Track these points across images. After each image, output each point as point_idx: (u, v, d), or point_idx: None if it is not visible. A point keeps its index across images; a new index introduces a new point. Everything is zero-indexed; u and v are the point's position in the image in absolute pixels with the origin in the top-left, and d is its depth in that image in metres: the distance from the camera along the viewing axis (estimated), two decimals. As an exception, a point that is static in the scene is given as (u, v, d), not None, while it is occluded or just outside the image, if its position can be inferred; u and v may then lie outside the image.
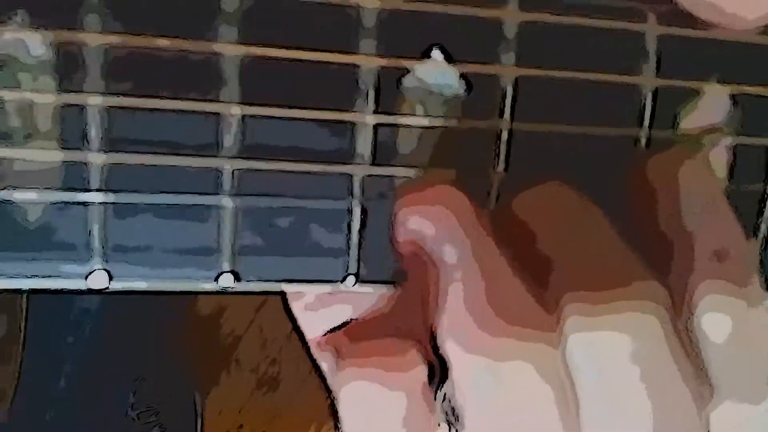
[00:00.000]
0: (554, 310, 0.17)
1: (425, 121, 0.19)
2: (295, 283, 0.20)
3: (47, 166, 0.17)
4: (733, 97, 0.21)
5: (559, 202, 0.19)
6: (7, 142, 0.17)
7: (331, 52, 0.18)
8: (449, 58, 0.19)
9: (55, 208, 0.17)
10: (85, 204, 0.18)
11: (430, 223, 0.18)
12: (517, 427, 0.17)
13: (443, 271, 0.18)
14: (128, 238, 0.18)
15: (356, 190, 0.19)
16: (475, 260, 0.17)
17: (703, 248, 0.18)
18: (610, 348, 0.17)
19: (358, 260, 0.19)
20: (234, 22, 0.17)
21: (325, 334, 0.22)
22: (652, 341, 0.17)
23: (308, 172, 0.19)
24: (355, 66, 0.18)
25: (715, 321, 0.18)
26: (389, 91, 0.19)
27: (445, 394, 0.19)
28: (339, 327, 0.21)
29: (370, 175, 0.19)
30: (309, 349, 0.23)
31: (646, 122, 0.20)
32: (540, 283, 0.18)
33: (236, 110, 0.18)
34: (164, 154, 0.18)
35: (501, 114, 0.19)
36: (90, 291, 0.18)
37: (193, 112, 0.18)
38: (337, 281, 0.19)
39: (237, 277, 0.19)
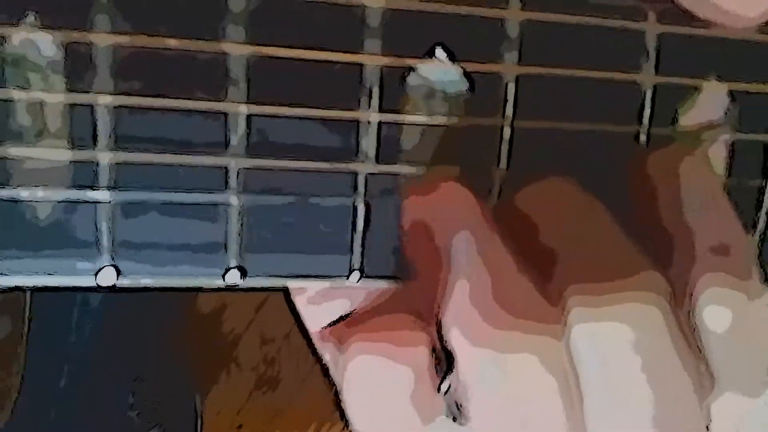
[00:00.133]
0: (558, 302, 0.17)
1: (429, 119, 0.19)
2: (300, 279, 0.20)
3: (57, 164, 0.17)
4: (732, 94, 0.21)
5: (561, 197, 0.19)
6: (18, 141, 0.17)
7: (336, 51, 0.18)
8: (452, 57, 0.19)
9: (64, 207, 0.18)
10: (94, 202, 0.18)
11: (436, 219, 0.18)
12: (521, 419, 0.17)
13: (449, 266, 0.18)
14: (136, 236, 0.18)
15: (360, 187, 0.19)
16: (480, 255, 0.18)
17: (704, 243, 0.18)
18: (612, 338, 0.17)
19: (363, 256, 0.20)
20: (241, 21, 0.17)
21: (326, 327, 0.22)
22: (654, 332, 0.17)
23: (313, 170, 0.19)
24: (360, 65, 0.18)
25: (716, 314, 0.18)
26: (393, 90, 0.19)
27: (449, 385, 0.19)
28: (340, 319, 0.22)
29: (374, 173, 0.19)
30: (311, 343, 0.23)
31: (646, 119, 0.20)
32: (544, 275, 0.18)
33: (243, 109, 0.18)
34: (172, 152, 0.18)
35: (503, 112, 0.19)
36: (98, 288, 0.19)
37: (201, 111, 0.18)
38: (342, 277, 0.20)
39: (243, 274, 0.19)
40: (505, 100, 0.19)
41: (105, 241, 0.18)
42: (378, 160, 0.19)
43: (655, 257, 0.18)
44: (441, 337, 0.18)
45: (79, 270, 0.18)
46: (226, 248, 0.19)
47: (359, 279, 0.20)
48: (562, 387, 0.17)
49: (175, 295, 0.70)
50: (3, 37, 0.16)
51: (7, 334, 0.33)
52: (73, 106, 0.17)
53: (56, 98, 0.17)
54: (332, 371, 0.22)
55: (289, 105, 0.18)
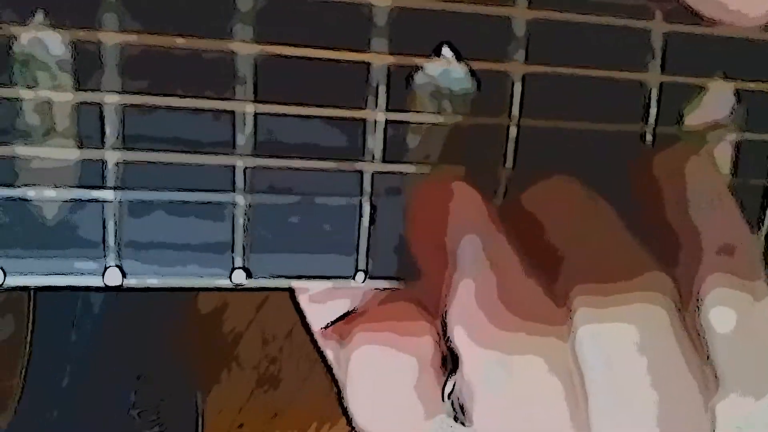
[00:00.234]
0: (564, 302, 0.17)
1: (435, 118, 0.19)
2: (306, 280, 0.20)
3: (64, 164, 0.17)
4: (738, 93, 0.21)
5: (567, 196, 0.19)
6: (26, 141, 0.17)
7: (343, 50, 0.18)
8: (459, 56, 0.19)
9: (71, 206, 0.18)
10: (101, 201, 0.18)
11: (443, 219, 0.18)
12: (525, 421, 0.17)
13: (455, 266, 0.18)
14: (142, 235, 0.18)
15: (366, 186, 0.19)
16: (486, 256, 0.18)
17: (710, 243, 0.18)
18: (617, 339, 0.17)
19: (368, 257, 0.20)
20: (249, 20, 0.17)
21: (328, 325, 0.22)
22: (659, 332, 0.17)
23: (320, 169, 0.19)
24: (367, 64, 0.18)
25: (721, 315, 0.18)
26: (400, 89, 0.19)
27: (453, 386, 0.19)
28: (341, 318, 0.22)
29: (380, 172, 0.19)
30: (315, 341, 0.23)
31: (652, 118, 0.20)
32: (549, 276, 0.18)
33: (250, 108, 0.18)
34: (179, 152, 0.18)
35: (510, 110, 0.19)
36: (105, 288, 0.19)
37: (208, 110, 0.18)
38: (347, 277, 0.20)
39: (249, 274, 0.19)
40: (512, 99, 0.19)
41: (111, 240, 0.18)
42: (384, 159, 0.19)
43: (660, 257, 0.18)
44: (446, 337, 0.18)
45: (85, 270, 0.18)
46: (232, 248, 0.19)
47: (364, 279, 0.20)
48: (567, 388, 0.17)
49: (176, 295, 0.70)
50: (12, 37, 0.16)
51: (10, 333, 0.33)
52: (80, 105, 0.17)
53: (64, 97, 0.17)
54: (335, 369, 0.22)
55: (296, 104, 0.18)
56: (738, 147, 0.21)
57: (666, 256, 0.18)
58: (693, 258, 0.18)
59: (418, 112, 0.19)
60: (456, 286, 0.18)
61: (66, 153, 0.17)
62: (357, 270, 0.20)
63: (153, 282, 0.19)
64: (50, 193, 0.17)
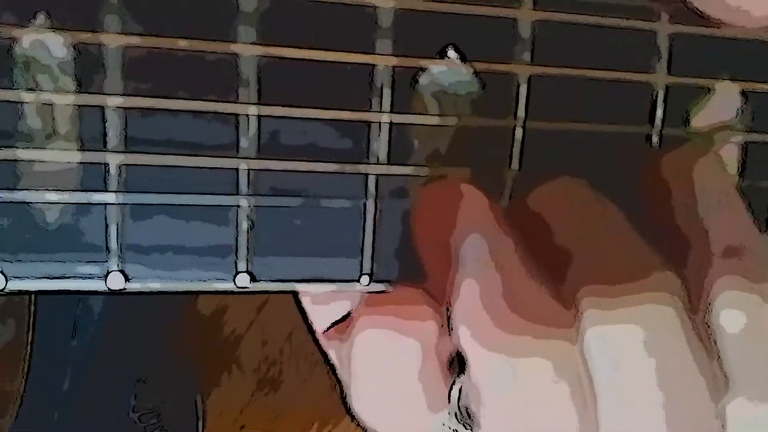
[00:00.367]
0: (572, 304, 0.17)
1: (440, 120, 0.19)
2: (310, 283, 0.20)
3: (66, 167, 0.17)
4: (744, 94, 0.21)
5: (574, 197, 0.19)
6: (28, 144, 0.17)
7: (348, 52, 0.18)
8: (464, 57, 0.19)
9: (73, 210, 0.17)
10: (103, 204, 0.18)
11: (449, 221, 0.18)
12: (533, 423, 0.17)
13: (460, 268, 0.18)
14: (145, 239, 0.18)
15: (371, 189, 0.19)
16: (492, 258, 0.17)
17: (718, 244, 0.18)
18: (626, 341, 0.17)
19: (372, 259, 0.19)
20: (252, 22, 0.17)
21: (329, 328, 0.22)
22: (668, 333, 0.17)
23: (324, 172, 0.19)
24: (371, 65, 0.18)
25: (731, 316, 0.18)
26: (405, 91, 0.19)
27: (460, 389, 0.19)
28: (342, 320, 0.22)
29: (385, 174, 0.19)
30: (317, 342, 0.23)
31: (659, 119, 0.20)
32: (557, 277, 0.18)
33: (253, 110, 0.18)
34: (182, 154, 0.18)
35: (515, 112, 0.19)
36: (107, 292, 0.18)
37: (211, 112, 0.18)
38: (352, 280, 0.20)
39: (253, 277, 0.19)
40: (517, 101, 0.19)
41: (114, 244, 0.18)
42: (389, 161, 0.19)
43: (669, 258, 0.18)
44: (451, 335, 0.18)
45: (88, 274, 0.18)
46: (236, 251, 0.19)
47: (369, 283, 0.20)
48: (574, 390, 0.17)
49: (176, 297, 0.70)
50: (13, 39, 0.16)
51: (11, 337, 0.33)
52: (82, 107, 0.17)
53: (66, 100, 0.17)
54: (338, 369, 0.22)
55: (300, 106, 0.18)
56: (745, 148, 0.21)
57: (674, 258, 0.18)
58: (702, 259, 0.18)
59: (422, 114, 0.19)
60: (459, 286, 0.18)
61: (68, 156, 0.17)
62: (362, 273, 0.19)
63: (156, 286, 0.19)
64: (52, 196, 0.17)
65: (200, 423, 0.76)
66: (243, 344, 0.82)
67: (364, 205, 0.19)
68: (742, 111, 0.21)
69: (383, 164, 0.19)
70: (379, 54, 0.18)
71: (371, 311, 0.19)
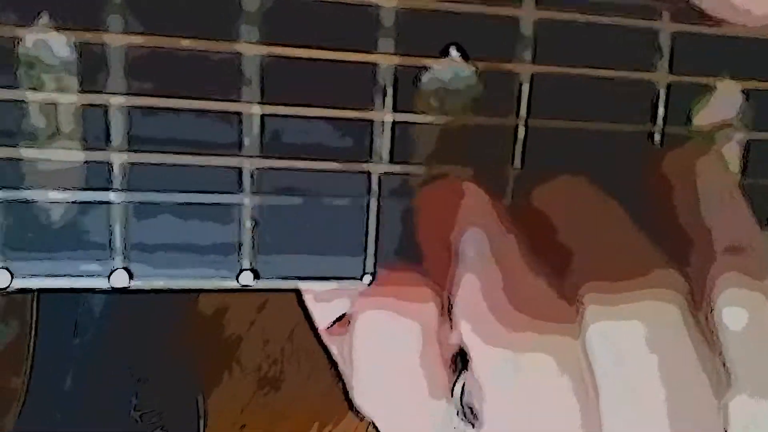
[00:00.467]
0: (574, 300, 0.17)
1: (443, 119, 0.19)
2: (313, 281, 0.20)
3: (70, 166, 0.17)
4: (745, 93, 0.21)
5: (577, 195, 0.19)
6: (32, 143, 0.17)
7: (351, 51, 0.18)
8: (466, 56, 0.19)
9: (77, 208, 0.18)
10: (107, 203, 0.18)
11: (452, 220, 0.18)
12: (535, 419, 0.17)
13: (460, 262, 0.18)
14: (149, 237, 0.18)
15: (374, 187, 0.19)
16: (494, 254, 0.18)
17: (721, 242, 0.18)
18: (628, 337, 0.17)
19: (375, 257, 0.20)
20: (255, 22, 0.17)
21: (331, 325, 0.22)
22: (670, 329, 0.17)
23: (327, 171, 0.19)
24: (374, 65, 0.18)
25: (734, 314, 0.18)
26: (407, 90, 0.19)
27: (463, 386, 0.19)
28: (342, 317, 0.22)
29: (387, 173, 0.19)
30: (319, 339, 0.23)
31: (660, 118, 0.20)
32: (559, 274, 0.18)
33: (257, 109, 0.18)
34: (185, 153, 0.18)
35: (517, 111, 0.19)
36: (112, 290, 0.19)
37: (214, 111, 0.18)
38: (355, 278, 0.20)
39: (256, 275, 0.19)
40: (519, 99, 0.19)
41: (118, 242, 0.18)
42: (392, 160, 0.19)
43: (671, 256, 0.18)
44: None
45: (91, 272, 0.18)
46: (239, 250, 0.19)
47: (371, 281, 0.20)
48: (577, 386, 0.17)
49: (177, 297, 0.70)
50: (17, 39, 0.16)
51: (14, 337, 0.33)
52: (86, 106, 0.17)
53: (69, 99, 0.17)
54: (340, 365, 0.22)
55: (303, 105, 0.18)
56: (746, 146, 0.21)
57: (677, 255, 0.18)
58: (704, 257, 0.18)
59: (425, 112, 0.19)
60: (459, 281, 0.18)
61: (72, 155, 0.17)
62: (365, 272, 0.20)
63: (159, 284, 0.19)
64: (56, 195, 0.17)
65: (201, 422, 0.76)
66: (244, 344, 0.82)
67: (367, 203, 0.19)
68: (744, 109, 0.21)
69: (386, 163, 0.19)
70: (381, 53, 0.18)
71: (371, 293, 0.19)
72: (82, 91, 0.17)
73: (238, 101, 0.18)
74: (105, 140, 0.17)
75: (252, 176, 0.18)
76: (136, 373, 0.68)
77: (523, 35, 0.19)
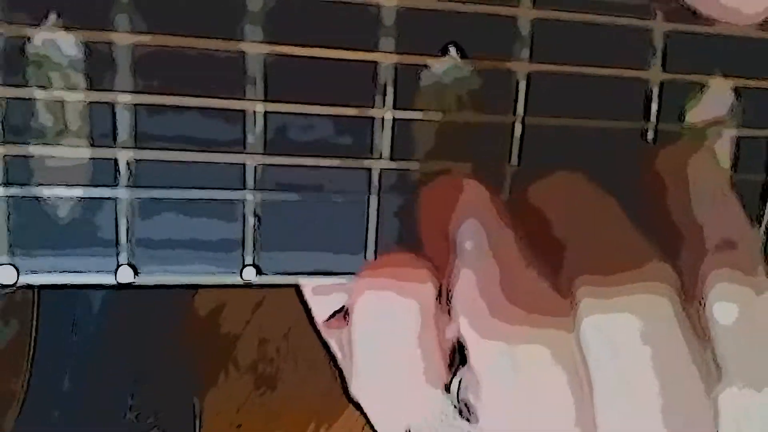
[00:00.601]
0: (568, 293, 0.18)
1: (442, 116, 0.20)
2: (315, 276, 0.20)
3: (77, 162, 0.18)
4: (737, 91, 0.21)
5: (571, 190, 0.19)
6: (40, 140, 0.17)
7: (352, 50, 0.18)
8: (465, 55, 0.19)
9: (83, 205, 0.18)
10: (113, 199, 0.18)
11: (451, 215, 0.18)
12: (531, 411, 0.18)
13: (458, 255, 0.18)
14: (154, 233, 0.18)
15: (375, 183, 0.19)
16: (492, 249, 0.18)
17: (712, 238, 0.19)
18: (621, 329, 0.17)
19: (376, 253, 0.20)
20: (258, 21, 0.18)
21: (328, 318, 0.22)
22: (663, 323, 0.17)
23: (329, 167, 0.19)
24: (375, 63, 0.19)
25: (724, 308, 0.18)
26: (407, 87, 0.19)
27: (460, 381, 0.19)
28: (339, 311, 0.22)
29: (388, 169, 0.19)
30: (318, 333, 0.23)
31: (654, 115, 0.21)
32: (554, 267, 0.18)
33: (260, 107, 0.18)
34: (190, 150, 0.18)
35: (515, 108, 0.20)
36: (117, 285, 0.19)
37: (219, 109, 0.18)
38: (356, 274, 0.20)
39: (259, 271, 0.19)
40: (517, 97, 0.20)
41: (123, 238, 0.18)
42: (392, 156, 0.19)
43: (664, 250, 0.18)
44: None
45: (97, 267, 0.18)
46: (242, 246, 0.19)
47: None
48: (572, 379, 0.18)
49: (173, 296, 0.70)
50: (25, 38, 0.17)
51: (14, 337, 0.33)
52: (93, 104, 0.17)
53: (77, 97, 0.17)
54: (339, 359, 0.22)
55: (306, 103, 0.18)
56: (737, 143, 0.22)
57: (669, 250, 0.18)
58: (696, 252, 0.19)
59: (424, 110, 0.19)
60: (457, 275, 0.18)
61: (79, 152, 0.17)
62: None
63: (164, 279, 0.19)
64: (63, 191, 0.18)
65: (197, 422, 0.76)
66: (240, 343, 0.82)
67: (368, 199, 0.19)
68: (735, 107, 0.21)
69: (386, 159, 0.19)
70: (382, 52, 0.19)
71: (368, 275, 0.19)
72: (90, 89, 0.17)
73: (242, 99, 0.18)
74: (112, 137, 0.18)
75: (255, 173, 0.19)
76: (133, 372, 0.68)
77: (520, 34, 0.19)
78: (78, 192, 0.18)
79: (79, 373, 0.58)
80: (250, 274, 0.19)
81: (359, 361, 0.19)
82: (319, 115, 0.19)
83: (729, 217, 0.19)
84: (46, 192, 0.17)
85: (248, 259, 0.19)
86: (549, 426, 0.18)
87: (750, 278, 0.18)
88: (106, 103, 0.17)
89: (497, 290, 0.18)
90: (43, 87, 0.17)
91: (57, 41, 0.17)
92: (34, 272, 0.18)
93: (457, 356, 0.19)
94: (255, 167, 0.19)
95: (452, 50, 0.19)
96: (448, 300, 0.18)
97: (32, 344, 0.35)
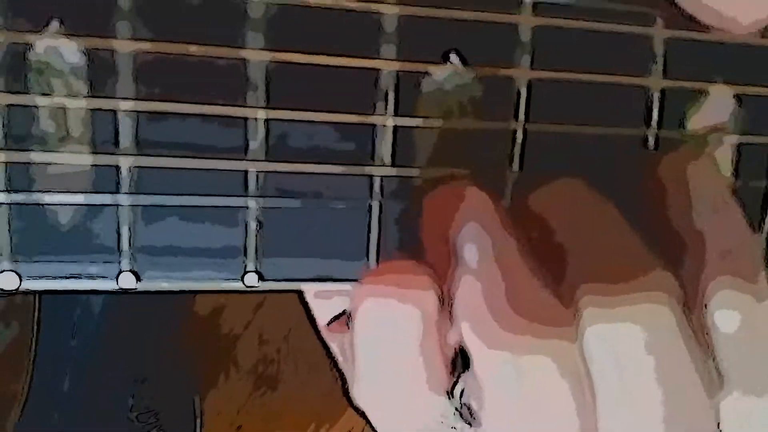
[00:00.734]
0: (570, 302, 0.18)
1: (443, 123, 0.20)
2: (317, 282, 0.20)
3: (79, 169, 0.18)
4: (738, 98, 0.21)
5: (574, 198, 0.19)
6: (42, 147, 0.17)
7: (353, 57, 0.18)
8: (466, 62, 0.19)
9: (85, 211, 0.18)
10: (115, 206, 0.18)
11: (454, 223, 0.19)
12: (534, 420, 0.18)
13: (459, 261, 0.18)
14: (156, 240, 0.19)
15: (376, 190, 0.19)
16: (495, 256, 0.18)
17: (713, 246, 0.19)
18: (624, 339, 0.17)
19: (378, 259, 0.20)
20: (260, 28, 0.18)
21: (329, 322, 0.22)
22: (665, 332, 0.17)
23: (330, 174, 0.19)
24: (376, 70, 0.19)
25: (726, 316, 0.18)
26: (408, 94, 0.19)
27: (463, 389, 0.19)
28: (341, 315, 0.22)
29: (389, 176, 0.20)
30: (319, 336, 0.23)
31: (654, 122, 0.21)
32: (556, 276, 0.18)
33: (262, 114, 0.18)
34: (192, 157, 0.18)
35: (516, 115, 0.20)
36: (119, 291, 0.19)
37: (220, 116, 0.18)
38: (357, 280, 0.20)
39: (261, 277, 0.19)
40: (518, 104, 0.20)
41: (125, 245, 0.18)
42: (393, 163, 0.19)
43: (665, 258, 0.18)
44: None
45: (99, 274, 0.18)
46: (244, 252, 0.19)
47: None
48: (575, 389, 0.18)
49: (174, 298, 0.70)
50: (27, 45, 0.17)
51: (14, 339, 0.33)
52: (95, 111, 0.17)
53: (79, 104, 0.17)
54: (341, 362, 0.22)
55: (307, 110, 0.19)
56: (738, 150, 0.22)
57: (671, 258, 0.18)
58: (697, 260, 0.19)
59: (426, 117, 0.19)
60: (459, 281, 0.18)
61: (80, 159, 0.18)
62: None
63: (165, 285, 0.19)
64: (65, 198, 0.18)
65: (198, 423, 0.76)
66: (240, 344, 0.82)
67: (370, 206, 0.20)
68: (736, 113, 0.21)
69: (388, 166, 0.19)
70: (383, 59, 0.19)
71: (370, 281, 0.19)
72: (92, 96, 0.17)
73: (244, 106, 0.18)
74: (113, 144, 0.18)
75: (257, 180, 0.19)
76: (134, 373, 0.68)
77: (521, 41, 0.19)
78: (80, 199, 0.18)
79: (79, 374, 0.58)
80: (252, 279, 0.19)
81: (361, 367, 0.19)
82: (320, 122, 0.19)
83: (729, 225, 0.19)
84: (47, 198, 0.18)
85: (250, 266, 0.19)
86: None
87: (751, 286, 0.18)
88: (108, 110, 0.17)
89: (501, 297, 0.18)
90: (45, 94, 0.17)
91: (59, 48, 0.17)
92: (35, 278, 0.18)
93: (460, 361, 0.19)
94: (257, 174, 0.19)
95: (453, 57, 0.19)
96: (450, 305, 0.18)
97: (33, 346, 0.35)
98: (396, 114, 0.19)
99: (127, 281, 0.19)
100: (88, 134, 0.17)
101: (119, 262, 0.18)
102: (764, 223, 0.22)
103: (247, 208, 0.19)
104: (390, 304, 0.19)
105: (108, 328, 0.62)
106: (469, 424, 0.19)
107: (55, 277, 0.18)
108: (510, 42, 0.19)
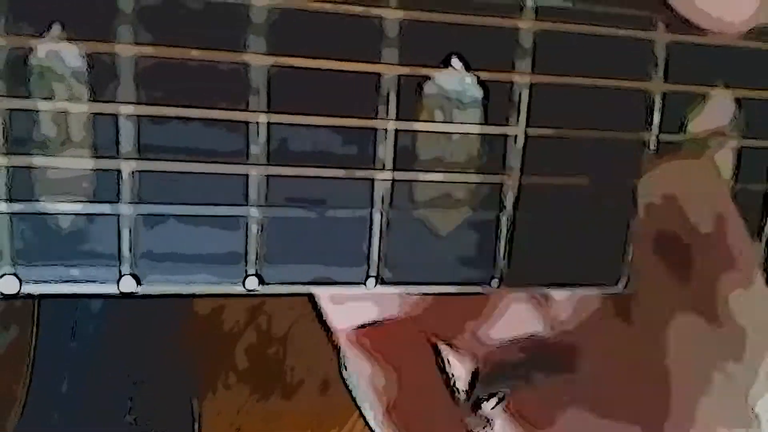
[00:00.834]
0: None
1: (444, 127, 0.20)
2: (318, 286, 0.20)
3: (80, 173, 0.18)
4: (738, 101, 0.21)
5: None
6: (43, 151, 0.17)
7: (355, 61, 0.18)
8: (467, 66, 0.19)
9: (86, 216, 0.18)
10: (115, 210, 0.18)
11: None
12: None
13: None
14: (157, 245, 0.18)
15: (377, 194, 0.19)
16: None
17: (714, 248, 0.19)
18: None
19: (379, 263, 0.20)
20: (262, 33, 0.18)
21: (356, 329, 0.22)
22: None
23: (331, 178, 0.19)
24: (378, 74, 0.19)
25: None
26: (410, 99, 0.19)
27: (478, 396, 0.19)
28: (368, 324, 0.22)
29: (391, 180, 0.19)
30: (327, 334, 0.23)
31: (656, 126, 0.21)
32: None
33: (263, 118, 0.18)
34: (193, 161, 0.18)
35: (517, 119, 0.20)
36: (120, 295, 0.19)
37: (222, 120, 0.18)
38: (359, 283, 0.20)
39: (262, 281, 0.19)
40: (519, 108, 0.20)
41: (126, 249, 0.18)
42: (395, 167, 0.19)
43: (668, 263, 0.18)
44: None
45: (100, 278, 0.18)
46: (245, 256, 0.19)
47: (375, 285, 0.20)
48: None
49: (173, 300, 0.69)
50: (29, 49, 0.17)
51: (13, 341, 0.33)
52: (96, 115, 0.17)
53: (80, 108, 0.17)
54: (349, 367, 0.22)
55: (309, 114, 0.19)
56: (739, 153, 0.22)
57: (674, 262, 0.19)
58: (704, 264, 0.19)
59: (427, 121, 0.19)
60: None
61: (81, 163, 0.17)
62: (368, 276, 0.20)
63: (166, 289, 0.19)
64: (66, 202, 0.18)
65: (196, 425, 0.76)
66: (239, 346, 0.82)
67: (371, 210, 0.19)
68: (737, 117, 0.22)
69: (389, 170, 0.19)
70: (385, 63, 0.19)
71: (364, 333, 0.20)
72: (93, 100, 0.17)
73: (246, 110, 0.18)
74: (115, 148, 0.18)
75: (258, 184, 0.19)
76: (132, 375, 0.68)
77: (522, 46, 0.19)
78: (80, 204, 0.18)
79: (78, 376, 0.58)
80: (252, 283, 0.19)
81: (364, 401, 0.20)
82: (322, 126, 0.19)
83: (730, 229, 0.19)
84: (48, 203, 0.17)
85: (251, 270, 0.19)
86: None
87: (750, 287, 0.18)
88: (109, 114, 0.17)
89: None
90: (47, 98, 0.17)
91: (60, 52, 0.17)
92: (36, 282, 0.18)
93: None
94: (258, 178, 0.19)
95: (455, 61, 0.19)
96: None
97: (33, 349, 0.35)
98: (397, 118, 0.19)
99: (128, 285, 0.18)
100: (89, 138, 0.17)
101: (120, 266, 0.18)
102: (764, 227, 0.22)
103: (248, 215, 0.19)
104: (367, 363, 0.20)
105: (107, 330, 0.62)
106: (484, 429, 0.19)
107: (55, 281, 0.18)
108: (511, 46, 0.19)
